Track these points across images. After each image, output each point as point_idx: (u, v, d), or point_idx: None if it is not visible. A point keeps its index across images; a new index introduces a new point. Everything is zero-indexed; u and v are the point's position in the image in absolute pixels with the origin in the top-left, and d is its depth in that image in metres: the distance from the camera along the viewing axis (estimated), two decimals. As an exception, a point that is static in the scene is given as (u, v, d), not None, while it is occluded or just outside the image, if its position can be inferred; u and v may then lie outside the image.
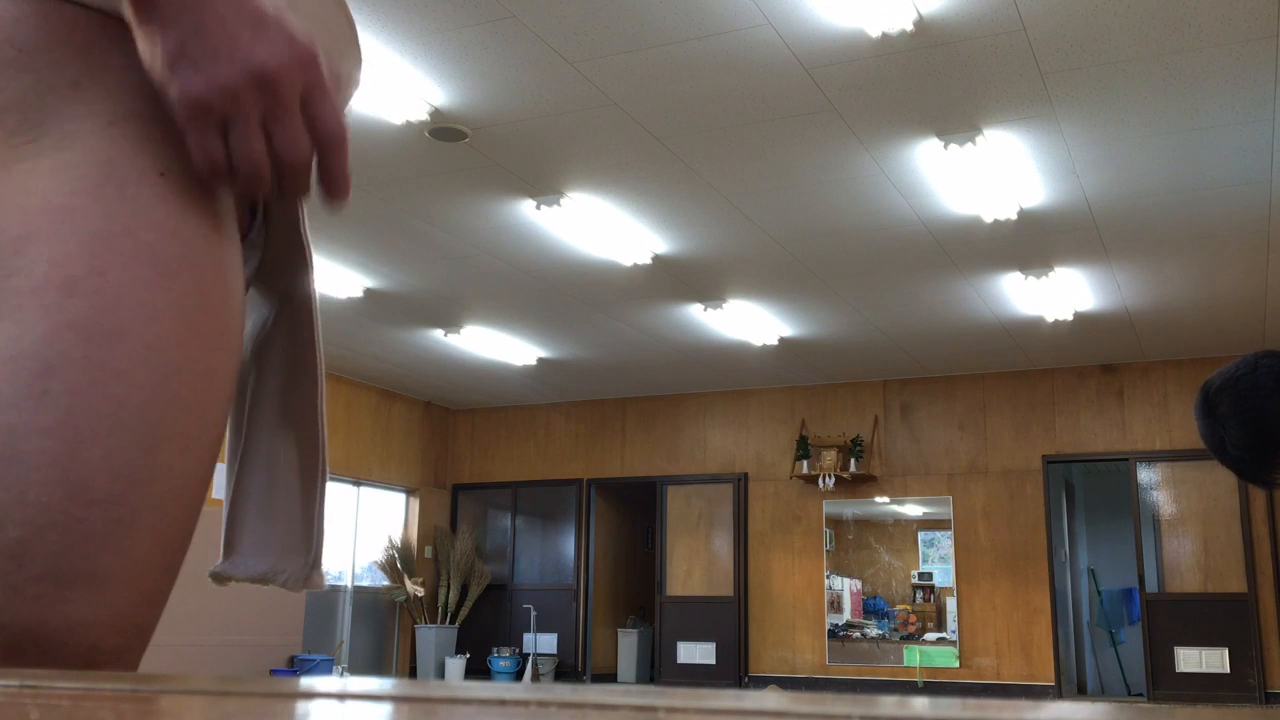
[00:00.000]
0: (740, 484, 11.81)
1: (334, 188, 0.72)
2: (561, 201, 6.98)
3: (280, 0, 0.69)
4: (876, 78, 5.47)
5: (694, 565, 11.87)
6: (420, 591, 11.93)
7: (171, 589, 0.68)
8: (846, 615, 11.23)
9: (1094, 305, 8.92)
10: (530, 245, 7.77)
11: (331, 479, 11.28)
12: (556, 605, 12.33)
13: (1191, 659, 10.05)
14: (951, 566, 10.93)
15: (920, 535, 11.18)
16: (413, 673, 12.20)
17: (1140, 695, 11.03)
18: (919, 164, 6.43)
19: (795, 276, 8.39)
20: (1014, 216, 7.04)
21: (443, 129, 6.02)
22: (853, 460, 11.24)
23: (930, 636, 10.93)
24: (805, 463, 11.41)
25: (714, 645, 11.54)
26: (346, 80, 0.85)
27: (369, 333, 9.96)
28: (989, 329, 9.61)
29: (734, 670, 11.39)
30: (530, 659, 11.91)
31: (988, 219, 7.10)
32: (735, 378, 11.51)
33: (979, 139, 6.02)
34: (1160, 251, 7.76)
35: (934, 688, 10.69)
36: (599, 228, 7.38)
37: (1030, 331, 9.64)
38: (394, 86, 5.53)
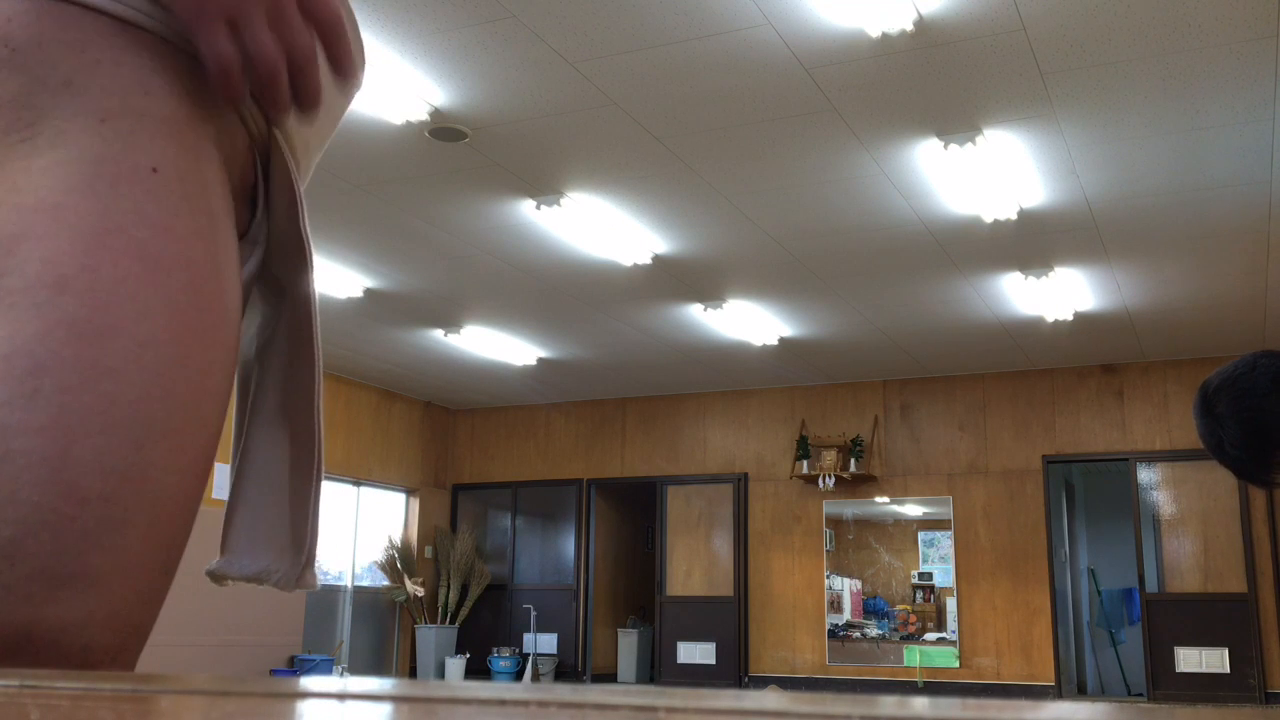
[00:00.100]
0: (740, 484, 11.81)
1: (340, 68, 0.73)
2: (561, 201, 6.98)
3: None
4: (876, 78, 5.47)
5: (694, 565, 11.88)
6: (420, 591, 11.93)
7: (168, 588, 0.67)
8: (846, 615, 11.23)
9: (1094, 305, 8.92)
10: (530, 245, 7.77)
11: (332, 479, 11.29)
12: (556, 605, 12.34)
13: (1191, 659, 10.05)
14: (951, 566, 10.93)
15: (920, 535, 11.18)
16: (413, 673, 12.20)
17: (1140, 695, 11.04)
18: (919, 164, 6.43)
19: (795, 276, 8.39)
20: (1014, 216, 7.04)
21: (443, 129, 6.02)
22: (853, 460, 11.24)
23: (930, 636, 10.93)
24: (805, 463, 11.41)
25: (714, 645, 11.55)
26: (350, 83, 0.85)
27: (369, 333, 9.96)
28: (989, 329, 9.62)
29: (734, 670, 11.39)
30: (530, 659, 11.91)
31: (988, 219, 7.10)
32: (735, 378, 11.51)
33: (979, 139, 6.02)
34: (1160, 251, 7.76)
35: (934, 688, 10.69)
36: (599, 228, 7.38)
37: (1030, 331, 9.64)
38: (394, 86, 5.53)
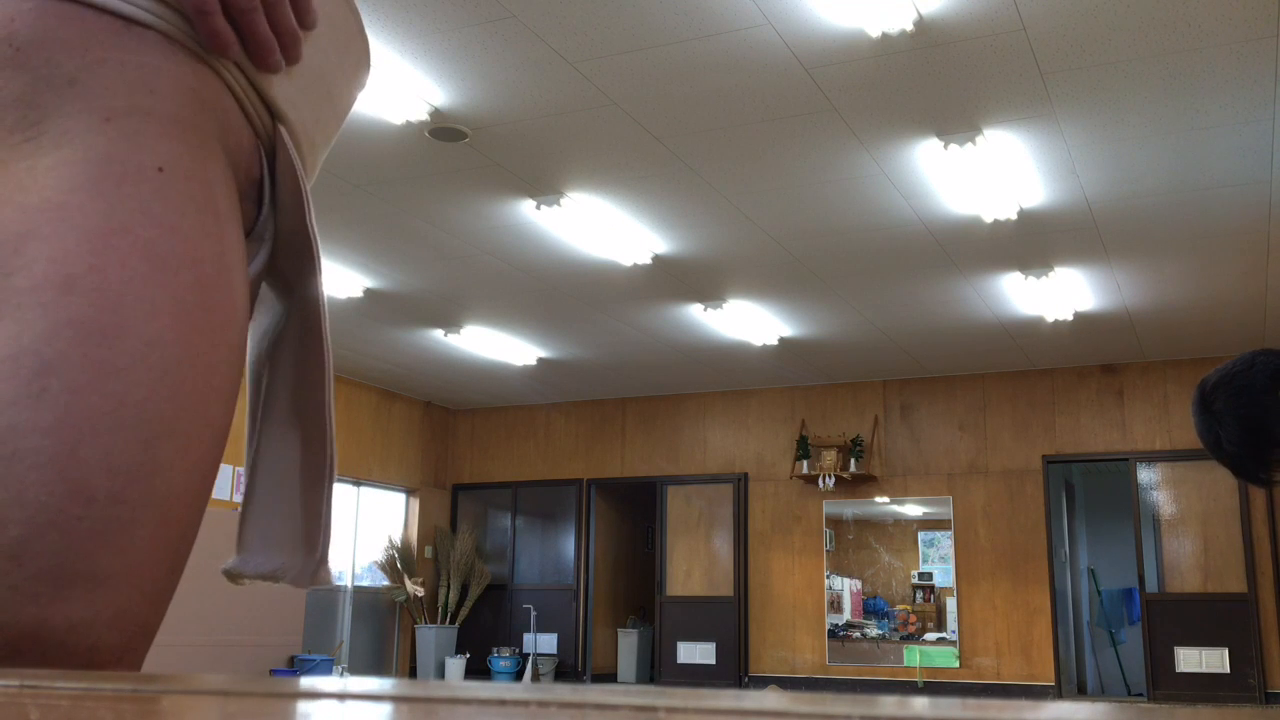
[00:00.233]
0: (740, 484, 11.81)
1: (303, 17, 0.76)
2: (561, 201, 6.98)
3: None
4: (876, 78, 5.47)
5: (694, 565, 11.88)
6: (420, 591, 11.93)
7: (175, 587, 0.67)
8: (846, 615, 11.23)
9: (1094, 305, 8.92)
10: (530, 245, 7.77)
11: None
12: (556, 605, 12.33)
13: (1191, 659, 10.05)
14: (951, 566, 10.93)
15: (920, 535, 11.18)
16: (413, 673, 12.20)
17: (1140, 695, 11.03)
18: (919, 164, 6.43)
19: (795, 276, 8.39)
20: (1014, 216, 7.04)
21: (443, 129, 6.02)
22: (853, 460, 11.24)
23: (930, 636, 10.93)
24: (805, 463, 11.41)
25: (714, 645, 11.55)
26: (354, 81, 0.85)
27: (369, 333, 9.96)
28: (989, 329, 9.61)
29: (734, 670, 11.39)
30: (530, 659, 11.91)
31: (988, 219, 7.10)
32: (735, 378, 11.51)
33: (979, 139, 6.02)
34: (1160, 251, 7.76)
35: (934, 688, 10.69)
36: (599, 228, 7.38)
37: (1030, 331, 9.64)
38: (394, 86, 5.53)
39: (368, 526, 12.12)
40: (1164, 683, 10.09)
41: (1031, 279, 8.25)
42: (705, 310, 9.18)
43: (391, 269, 8.34)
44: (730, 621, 11.51)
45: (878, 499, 11.32)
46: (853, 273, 8.30)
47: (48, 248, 0.63)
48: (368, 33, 0.86)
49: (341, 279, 8.43)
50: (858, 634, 11.16)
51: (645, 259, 7.91)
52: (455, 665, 12.00)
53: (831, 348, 10.31)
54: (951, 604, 10.87)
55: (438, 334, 10.04)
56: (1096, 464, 11.25)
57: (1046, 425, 10.87)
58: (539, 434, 12.81)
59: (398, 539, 12.32)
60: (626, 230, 7.46)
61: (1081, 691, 11.81)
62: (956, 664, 10.74)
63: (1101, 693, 12.15)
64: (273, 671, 10.09)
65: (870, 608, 11.20)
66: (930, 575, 11.07)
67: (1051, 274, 8.16)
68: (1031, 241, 7.57)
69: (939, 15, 4.91)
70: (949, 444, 11.15)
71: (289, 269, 0.81)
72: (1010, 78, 5.45)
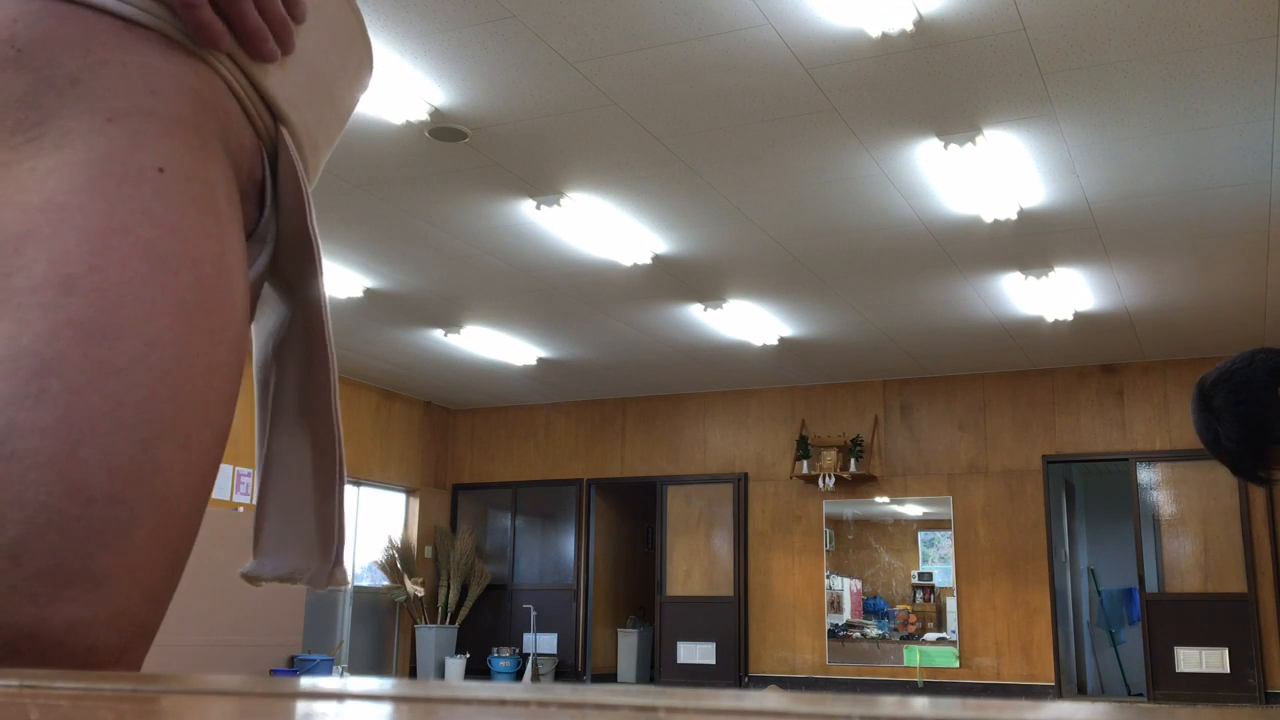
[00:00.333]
0: (740, 484, 11.81)
1: (295, 8, 0.76)
2: (561, 201, 6.98)
3: None
4: (876, 78, 5.47)
5: (694, 565, 11.88)
6: (420, 591, 11.93)
7: (175, 588, 0.67)
8: (846, 615, 11.23)
9: (1094, 305, 8.92)
10: (530, 245, 7.77)
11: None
12: (556, 605, 12.34)
13: (1192, 659, 10.05)
14: (951, 566, 10.93)
15: (920, 535, 11.18)
16: (413, 673, 12.20)
17: (1140, 695, 11.03)
18: (919, 164, 6.42)
19: (795, 276, 8.39)
20: (1014, 216, 7.04)
21: (443, 129, 6.02)
22: (853, 460, 11.24)
23: (930, 636, 10.93)
24: (805, 463, 11.41)
25: (714, 645, 11.55)
26: (356, 82, 0.85)
27: (369, 333, 9.96)
28: (989, 329, 9.61)
29: (734, 670, 11.39)
30: (530, 659, 11.91)
31: (988, 219, 7.10)
32: (735, 378, 11.51)
33: (979, 139, 6.02)
34: (1160, 251, 7.76)
35: (934, 688, 10.69)
36: (599, 228, 7.38)
37: (1030, 331, 9.64)
38: (394, 86, 5.53)
39: (368, 526, 12.13)
40: (1164, 683, 10.09)
41: (1031, 279, 8.25)
42: (705, 310, 9.18)
43: (391, 269, 8.34)
44: (730, 621, 11.52)
45: (878, 499, 11.32)
46: (853, 273, 8.30)
47: (48, 248, 0.63)
48: (369, 33, 0.86)
49: (341, 279, 8.44)
50: (858, 634, 11.16)
51: (645, 259, 7.91)
52: (455, 665, 12.00)
53: (831, 348, 10.31)
54: (951, 604, 10.87)
55: (438, 334, 10.04)
56: (1096, 464, 11.24)
57: (1046, 425, 10.87)
58: (539, 434, 12.81)
59: (398, 539, 12.33)
60: (626, 230, 7.46)
61: (1081, 692, 11.82)
62: (956, 664, 10.74)
63: (1101, 693, 12.16)
64: (273, 671, 10.09)
65: (870, 608, 11.20)
66: (930, 575, 11.07)
67: (1051, 274, 8.16)
68: (1031, 241, 7.57)
69: (939, 15, 4.91)
70: (949, 444, 11.15)
71: (290, 270, 0.81)
72: (1010, 78, 5.45)
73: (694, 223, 7.37)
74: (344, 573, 0.79)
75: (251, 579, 0.80)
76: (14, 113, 0.66)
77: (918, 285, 8.54)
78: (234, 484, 10.24)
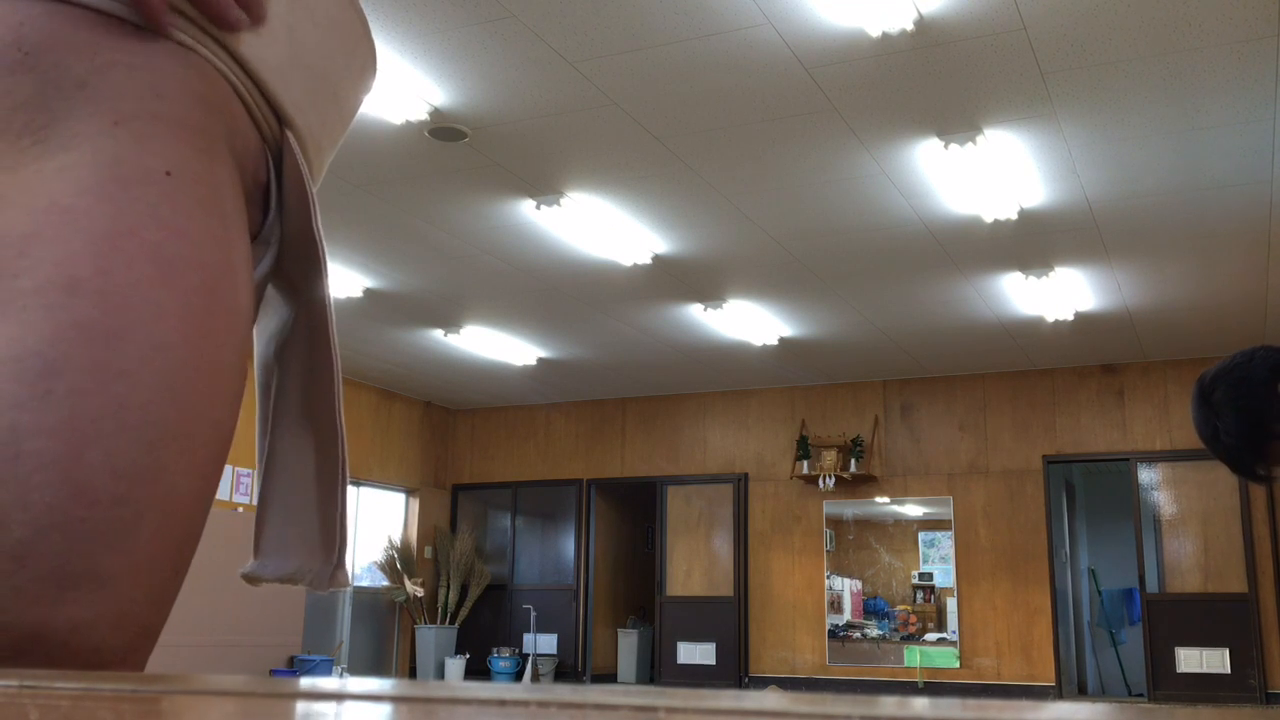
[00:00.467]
0: (740, 484, 11.81)
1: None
2: (561, 201, 6.98)
3: None
4: (876, 78, 5.47)
5: (694, 565, 11.88)
6: (420, 592, 11.93)
7: (179, 589, 0.68)
8: (847, 615, 11.23)
9: (1094, 305, 8.92)
10: (530, 245, 7.77)
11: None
12: (556, 605, 12.34)
13: (1192, 659, 10.05)
14: (952, 566, 10.93)
15: (920, 535, 11.18)
16: (412, 673, 12.20)
17: (1141, 695, 11.03)
18: (919, 164, 6.43)
19: (795, 276, 8.39)
20: (1014, 216, 7.04)
21: (443, 129, 6.02)
22: (853, 460, 11.24)
23: (930, 637, 10.93)
24: (805, 463, 11.41)
25: (714, 645, 11.55)
26: (360, 84, 0.85)
27: (369, 333, 9.97)
28: (989, 329, 9.62)
29: (734, 670, 11.39)
30: (530, 659, 11.91)
31: (988, 219, 7.10)
32: (735, 378, 11.51)
33: (979, 139, 6.02)
34: (1160, 251, 7.76)
35: (934, 688, 10.69)
36: (599, 228, 7.38)
37: (1030, 331, 9.64)
38: (394, 86, 5.53)
39: (368, 526, 12.13)
40: (1164, 683, 10.09)
41: (1032, 279, 8.25)
42: (705, 310, 9.18)
43: (391, 269, 8.34)
44: (730, 622, 11.52)
45: (878, 499, 11.32)
46: (853, 273, 8.31)
47: (53, 250, 0.63)
48: (368, 33, 0.86)
49: (342, 279, 8.44)
50: (858, 634, 11.16)
51: (645, 259, 7.91)
52: (455, 665, 12.00)
53: (831, 348, 10.31)
54: (952, 604, 10.87)
55: (438, 334, 10.04)
56: (1097, 464, 11.25)
57: (1047, 425, 10.87)
58: (539, 434, 12.81)
59: (397, 539, 12.33)
60: (626, 230, 7.46)
61: (1082, 692, 11.82)
62: (957, 664, 10.74)
63: (1102, 693, 12.16)
64: (273, 672, 10.10)
65: (870, 608, 11.20)
66: (930, 575, 11.07)
67: (1052, 274, 8.16)
68: (1032, 241, 7.57)
69: (939, 15, 4.91)
70: (949, 444, 11.15)
71: (295, 272, 0.81)
72: (1010, 78, 5.45)
73: (694, 223, 7.37)
74: (346, 575, 0.79)
75: (252, 579, 0.80)
76: (21, 115, 0.67)
77: (918, 285, 8.54)
78: (233, 484, 10.24)
